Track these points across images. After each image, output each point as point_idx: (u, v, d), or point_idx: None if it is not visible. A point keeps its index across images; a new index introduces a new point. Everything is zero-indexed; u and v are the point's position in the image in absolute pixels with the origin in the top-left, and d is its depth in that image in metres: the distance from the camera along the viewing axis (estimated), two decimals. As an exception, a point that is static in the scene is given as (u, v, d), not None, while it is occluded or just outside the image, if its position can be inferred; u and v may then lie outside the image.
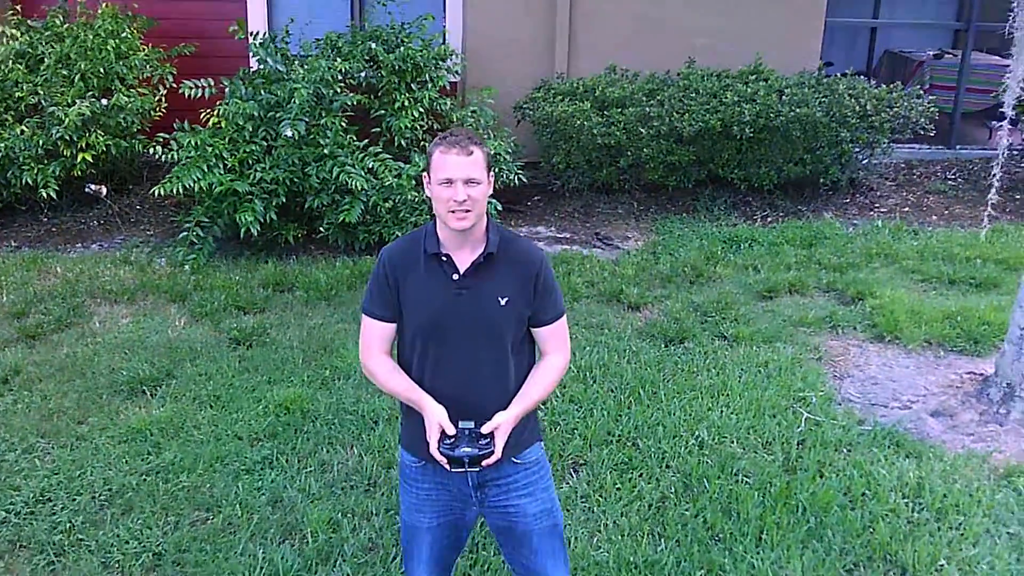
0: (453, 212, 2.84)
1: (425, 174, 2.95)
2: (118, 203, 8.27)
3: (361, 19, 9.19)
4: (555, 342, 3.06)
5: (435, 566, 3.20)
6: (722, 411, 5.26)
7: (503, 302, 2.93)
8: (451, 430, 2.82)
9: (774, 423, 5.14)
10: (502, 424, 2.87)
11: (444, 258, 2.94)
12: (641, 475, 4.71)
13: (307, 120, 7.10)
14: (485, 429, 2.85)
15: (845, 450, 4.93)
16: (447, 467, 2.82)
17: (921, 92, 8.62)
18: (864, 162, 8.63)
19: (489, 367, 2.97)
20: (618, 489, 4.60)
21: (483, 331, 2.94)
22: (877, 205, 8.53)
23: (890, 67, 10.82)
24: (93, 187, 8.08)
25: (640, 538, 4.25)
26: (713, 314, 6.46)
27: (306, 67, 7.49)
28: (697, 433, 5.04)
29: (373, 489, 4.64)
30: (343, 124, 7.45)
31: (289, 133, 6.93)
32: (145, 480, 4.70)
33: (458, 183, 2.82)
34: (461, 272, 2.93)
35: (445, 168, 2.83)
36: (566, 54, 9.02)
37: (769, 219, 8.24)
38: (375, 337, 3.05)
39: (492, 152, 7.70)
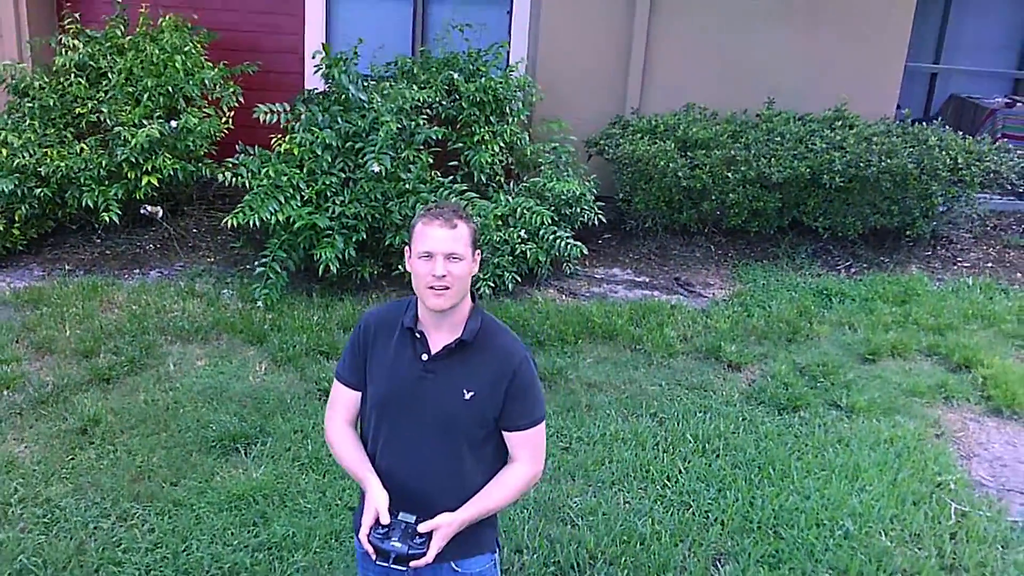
0: (432, 288, 2.61)
1: (406, 247, 2.74)
2: (174, 226, 7.84)
3: (422, 41, 8.82)
4: (525, 451, 2.78)
5: None
6: (860, 496, 4.94)
7: (468, 396, 2.70)
8: (385, 519, 2.59)
9: (919, 512, 4.83)
10: (443, 526, 2.60)
11: (418, 335, 2.72)
12: (792, 570, 4.40)
13: (392, 154, 6.71)
14: (423, 528, 2.58)
15: (999, 547, 4.63)
16: (372, 557, 2.58)
17: (1002, 141, 8.37)
18: (943, 211, 8.34)
19: (442, 461, 2.72)
20: (772, 588, 4.29)
21: (440, 421, 2.70)
22: (960, 259, 8.26)
23: (956, 113, 10.55)
24: (149, 208, 7.64)
25: (811, 650, 3.94)
26: (821, 379, 6.13)
27: (386, 94, 7.10)
28: (840, 522, 4.72)
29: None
30: (429, 160, 7.07)
31: (376, 168, 6.53)
32: (256, 557, 4.33)
33: (438, 257, 2.60)
34: (432, 354, 2.71)
35: (426, 240, 2.63)
36: (639, 88, 8.66)
37: (852, 269, 7.95)
38: (338, 404, 2.88)
39: (576, 192, 7.35)
